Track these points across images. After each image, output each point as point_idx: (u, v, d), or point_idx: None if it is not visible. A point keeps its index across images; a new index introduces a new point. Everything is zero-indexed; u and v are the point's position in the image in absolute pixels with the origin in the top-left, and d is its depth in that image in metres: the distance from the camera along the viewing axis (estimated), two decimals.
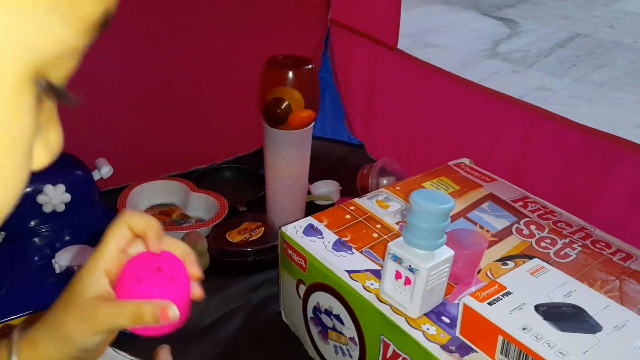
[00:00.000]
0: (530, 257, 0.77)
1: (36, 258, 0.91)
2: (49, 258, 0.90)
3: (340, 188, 1.27)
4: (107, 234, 0.48)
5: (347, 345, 0.78)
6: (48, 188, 0.93)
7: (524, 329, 0.60)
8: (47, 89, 0.23)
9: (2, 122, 0.21)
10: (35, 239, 0.94)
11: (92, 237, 0.96)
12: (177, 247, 0.50)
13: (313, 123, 1.06)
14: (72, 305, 0.45)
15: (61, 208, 0.95)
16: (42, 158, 0.26)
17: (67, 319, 0.45)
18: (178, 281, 0.47)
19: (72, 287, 0.46)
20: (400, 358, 0.69)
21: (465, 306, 0.64)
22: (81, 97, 0.24)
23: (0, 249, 0.92)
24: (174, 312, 0.44)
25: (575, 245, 0.82)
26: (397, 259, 0.68)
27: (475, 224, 0.86)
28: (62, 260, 0.89)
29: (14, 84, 0.21)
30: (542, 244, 0.82)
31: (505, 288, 0.66)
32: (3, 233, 0.94)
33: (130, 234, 0.48)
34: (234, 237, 1.07)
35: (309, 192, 1.23)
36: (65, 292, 0.46)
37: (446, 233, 0.67)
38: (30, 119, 0.23)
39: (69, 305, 0.45)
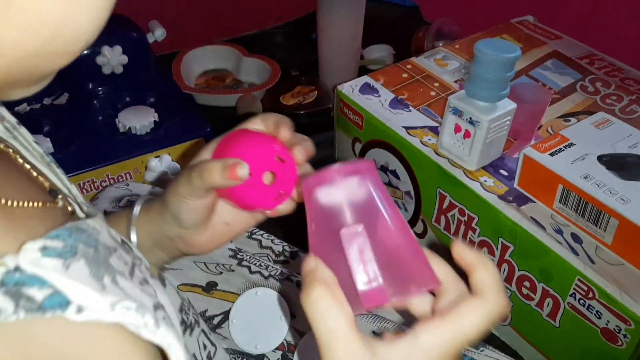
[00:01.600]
0: (594, 113, 0.75)
1: (100, 118, 0.95)
2: (112, 118, 0.93)
3: (394, 52, 1.23)
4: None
5: (402, 199, 0.80)
6: (105, 49, 0.94)
7: (586, 177, 0.60)
8: None
9: None
10: (97, 101, 0.97)
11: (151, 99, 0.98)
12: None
13: None
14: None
15: (119, 70, 0.97)
16: None
17: (167, 190, 0.43)
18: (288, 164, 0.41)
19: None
20: (457, 209, 0.70)
21: (525, 157, 0.64)
22: None
23: (66, 109, 0.95)
24: (242, 170, 0.38)
25: None
26: (457, 112, 0.67)
27: (538, 81, 0.83)
28: (125, 119, 0.91)
29: None
30: (608, 100, 0.79)
31: (567, 140, 0.65)
32: (67, 94, 0.97)
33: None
34: (287, 100, 1.08)
35: (362, 57, 1.20)
36: None
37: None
38: None
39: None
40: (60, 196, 0.34)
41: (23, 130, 0.39)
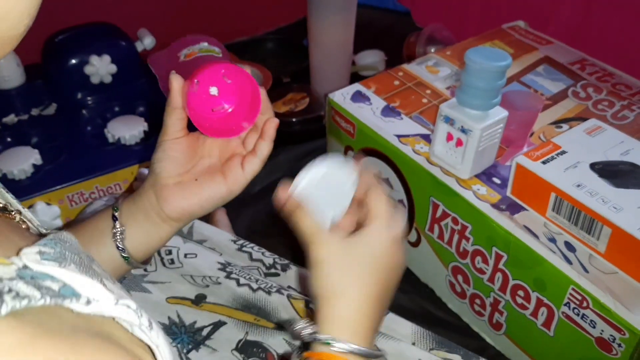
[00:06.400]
0: (586, 120, 0.75)
1: (89, 128, 0.94)
2: (101, 128, 0.92)
3: (386, 58, 1.23)
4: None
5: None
6: (94, 59, 0.93)
7: (578, 185, 0.60)
8: None
9: None
10: (86, 111, 0.96)
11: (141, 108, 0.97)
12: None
13: None
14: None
15: (108, 79, 0.96)
16: None
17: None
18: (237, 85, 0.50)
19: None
20: (450, 217, 0.70)
21: (518, 165, 0.64)
22: None
23: (54, 120, 0.94)
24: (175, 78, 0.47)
25: (634, 107, 0.78)
26: (449, 121, 0.67)
27: (530, 87, 0.83)
28: (114, 129, 0.90)
29: None
30: (599, 106, 0.79)
31: (560, 147, 0.64)
32: (55, 105, 0.96)
33: None
34: (279, 107, 1.07)
35: (353, 63, 1.20)
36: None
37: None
38: None
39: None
40: (13, 212, 0.37)
41: None
